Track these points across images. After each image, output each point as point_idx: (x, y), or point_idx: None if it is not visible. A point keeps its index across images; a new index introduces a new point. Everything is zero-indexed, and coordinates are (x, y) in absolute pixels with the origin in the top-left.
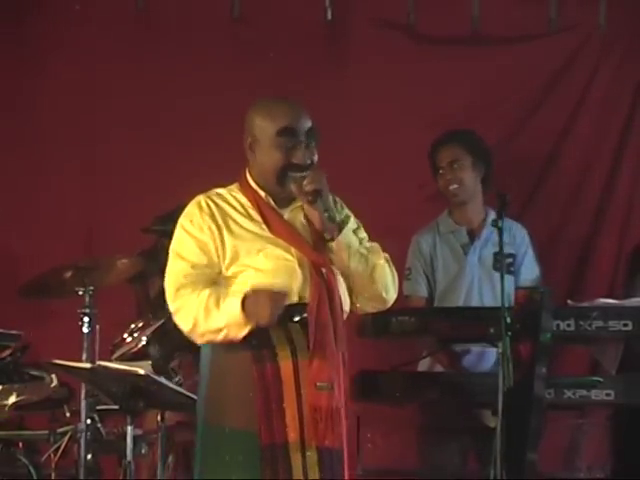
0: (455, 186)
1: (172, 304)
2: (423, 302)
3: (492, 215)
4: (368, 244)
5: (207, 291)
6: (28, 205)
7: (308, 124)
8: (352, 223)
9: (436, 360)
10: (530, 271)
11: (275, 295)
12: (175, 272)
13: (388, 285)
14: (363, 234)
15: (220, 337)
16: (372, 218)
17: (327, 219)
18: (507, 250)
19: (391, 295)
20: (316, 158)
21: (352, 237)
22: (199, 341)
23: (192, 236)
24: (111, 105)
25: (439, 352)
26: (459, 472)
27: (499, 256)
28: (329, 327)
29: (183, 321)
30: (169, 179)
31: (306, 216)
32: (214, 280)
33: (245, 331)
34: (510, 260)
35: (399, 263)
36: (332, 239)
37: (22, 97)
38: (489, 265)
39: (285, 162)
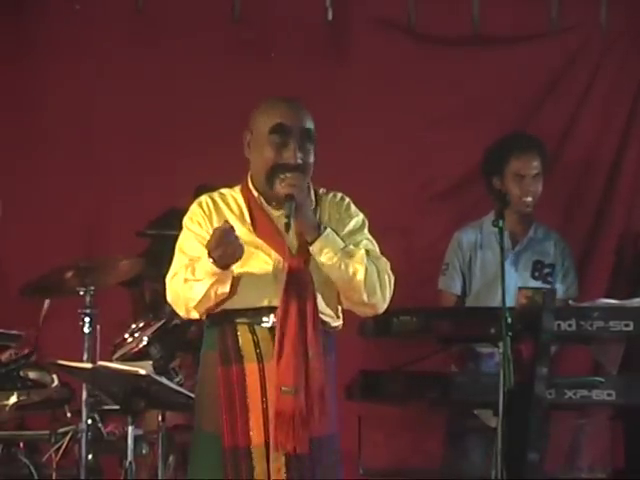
0: (530, 199)
1: (167, 292)
2: (454, 299)
3: (535, 222)
4: (361, 247)
5: (183, 268)
6: (28, 205)
7: (305, 125)
8: (354, 223)
9: (452, 360)
10: (569, 281)
11: (221, 229)
12: (174, 264)
13: (372, 290)
14: (363, 236)
15: (212, 302)
16: (372, 218)
17: (284, 225)
18: (549, 260)
19: (377, 299)
20: (311, 160)
21: (332, 243)
22: (200, 316)
23: (192, 231)
24: (111, 105)
25: (441, 352)
26: (460, 472)
27: (541, 265)
28: (297, 332)
29: (178, 308)
30: (169, 179)
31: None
32: None
33: (228, 280)
34: (549, 270)
35: (399, 263)
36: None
37: (22, 97)
38: (526, 272)
39: (274, 160)
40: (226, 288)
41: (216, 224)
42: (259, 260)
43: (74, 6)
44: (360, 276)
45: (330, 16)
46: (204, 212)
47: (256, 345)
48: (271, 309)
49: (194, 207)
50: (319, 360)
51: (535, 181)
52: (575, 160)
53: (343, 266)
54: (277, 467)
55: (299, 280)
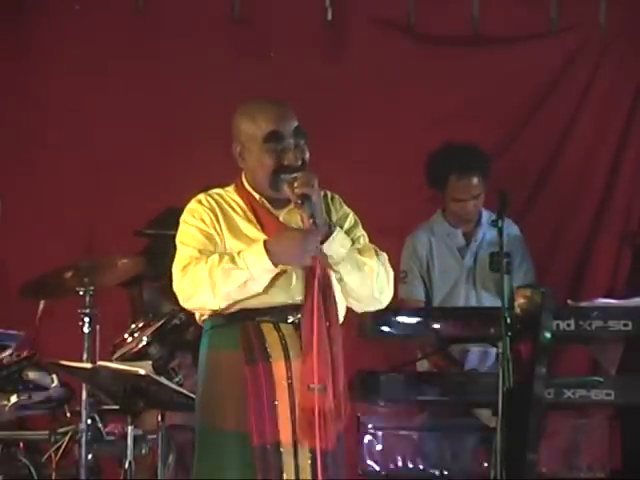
0: (471, 216)
1: (180, 283)
2: (420, 305)
3: (485, 214)
4: (362, 243)
5: (216, 255)
6: (28, 205)
7: (294, 124)
8: (349, 221)
9: (431, 363)
10: (525, 267)
11: (305, 233)
12: (181, 257)
13: (381, 286)
14: (360, 232)
15: (240, 296)
16: (372, 218)
17: (311, 224)
18: (504, 249)
19: (385, 295)
20: (307, 156)
21: (343, 240)
22: (219, 305)
23: (196, 227)
24: (111, 105)
25: (437, 353)
26: (459, 472)
27: (498, 256)
28: (322, 329)
29: (197, 292)
30: (169, 179)
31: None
32: None
33: (266, 282)
34: (507, 260)
35: (399, 263)
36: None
37: (22, 97)
38: (486, 266)
39: (276, 166)
40: (260, 288)
41: (220, 218)
42: None
43: (74, 6)
44: (373, 270)
45: (330, 16)
46: (206, 208)
47: (283, 342)
48: (295, 306)
49: (194, 205)
50: (341, 356)
51: (475, 201)
52: (574, 160)
53: (355, 261)
54: (305, 465)
55: (318, 277)
